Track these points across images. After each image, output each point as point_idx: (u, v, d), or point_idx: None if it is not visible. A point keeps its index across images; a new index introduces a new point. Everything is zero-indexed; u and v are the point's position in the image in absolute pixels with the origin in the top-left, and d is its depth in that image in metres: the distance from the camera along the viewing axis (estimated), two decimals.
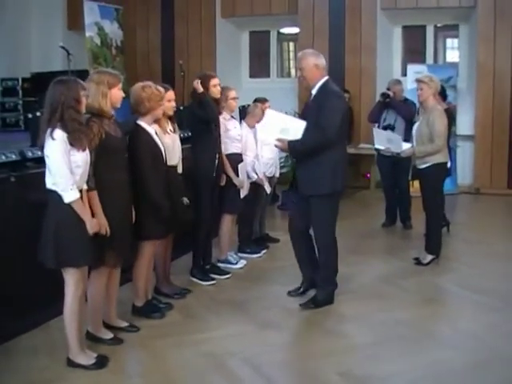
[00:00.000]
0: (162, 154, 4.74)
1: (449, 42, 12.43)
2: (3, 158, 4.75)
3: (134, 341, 4.50)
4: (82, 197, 3.88)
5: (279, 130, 4.81)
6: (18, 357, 4.21)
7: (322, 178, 4.91)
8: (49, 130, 3.77)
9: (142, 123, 4.69)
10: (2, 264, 4.41)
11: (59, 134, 3.75)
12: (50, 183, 3.85)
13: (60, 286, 4.72)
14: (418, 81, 6.20)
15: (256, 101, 6.93)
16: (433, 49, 11.73)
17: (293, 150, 4.99)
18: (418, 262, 6.31)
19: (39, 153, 5.03)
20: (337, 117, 4.82)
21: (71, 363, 4.04)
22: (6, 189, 4.56)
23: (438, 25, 11.80)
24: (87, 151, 3.91)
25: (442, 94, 7.37)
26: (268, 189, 6.83)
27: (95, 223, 3.94)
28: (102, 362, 4.09)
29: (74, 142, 3.78)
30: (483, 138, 10.65)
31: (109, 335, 4.44)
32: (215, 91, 5.72)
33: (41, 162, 5.02)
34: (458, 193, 10.69)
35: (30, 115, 6.40)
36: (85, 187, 3.94)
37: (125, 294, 4.92)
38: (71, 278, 3.95)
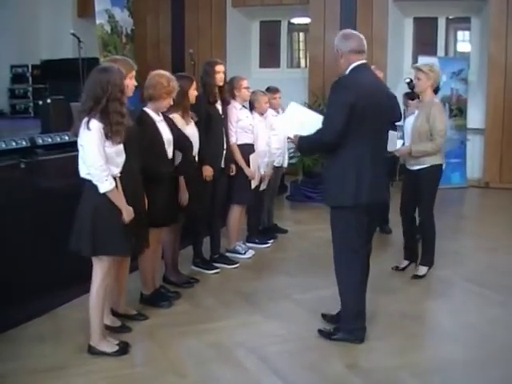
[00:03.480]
0: (163, 142, 4.71)
1: (460, 34, 12.36)
2: (13, 144, 4.77)
3: (142, 329, 4.51)
4: (116, 185, 3.87)
5: (299, 123, 4.46)
6: (23, 344, 4.22)
7: (332, 187, 4.22)
8: (85, 119, 3.73)
9: (148, 110, 4.71)
10: (10, 250, 4.42)
11: (95, 125, 3.71)
12: (83, 173, 3.84)
13: (66, 273, 4.77)
14: (417, 69, 5.57)
15: (268, 90, 6.91)
16: (444, 41, 11.67)
17: (299, 147, 4.48)
18: (414, 276, 5.73)
19: (49, 140, 5.09)
20: (337, 113, 4.01)
21: (93, 350, 4.05)
22: (16, 175, 4.58)
23: (450, 17, 11.74)
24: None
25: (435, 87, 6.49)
26: (264, 185, 6.73)
27: (131, 211, 3.94)
28: (124, 349, 4.11)
29: (113, 134, 3.75)
30: (493, 131, 10.60)
31: (117, 323, 4.45)
32: (218, 78, 5.68)
33: (50, 148, 5.06)
34: (466, 186, 10.68)
35: (39, 102, 6.42)
36: (119, 175, 3.91)
37: (133, 282, 4.92)
38: (103, 267, 3.96)
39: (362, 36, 4.23)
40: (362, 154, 4.10)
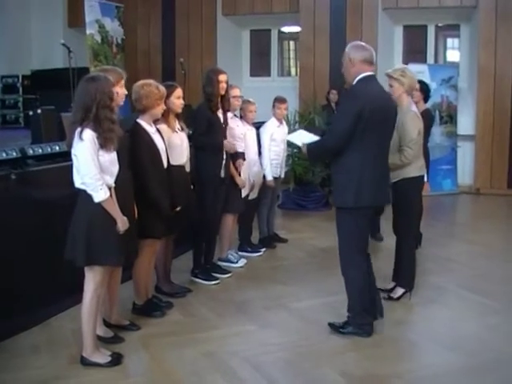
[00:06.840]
0: (160, 153, 4.69)
1: (449, 41, 12.44)
2: (4, 155, 4.73)
3: (134, 339, 4.48)
4: (111, 195, 3.86)
5: (307, 138, 4.60)
6: (17, 355, 4.19)
7: (337, 188, 4.42)
8: (78, 130, 3.72)
9: (141, 122, 4.67)
10: (2, 262, 4.39)
11: (88, 135, 3.70)
12: (78, 183, 3.83)
13: (60, 284, 4.74)
14: (388, 76, 5.11)
15: (275, 99, 6.92)
16: (434, 48, 11.75)
17: (308, 153, 4.56)
18: (388, 297, 5.21)
19: (40, 150, 5.06)
20: (342, 120, 4.24)
21: (86, 361, 4.02)
22: (6, 186, 4.54)
23: (439, 24, 11.81)
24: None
25: (425, 94, 6.56)
26: (254, 194, 6.68)
27: (126, 221, 3.93)
28: (117, 360, 4.08)
29: (106, 142, 3.74)
30: (484, 138, 10.66)
31: (109, 334, 4.42)
32: (220, 87, 5.64)
33: (41, 159, 5.03)
34: (458, 193, 10.72)
35: (30, 112, 6.40)
36: (113, 185, 3.90)
37: (125, 292, 4.90)
38: (95, 277, 3.94)
39: (372, 49, 4.45)
40: (365, 159, 4.27)
